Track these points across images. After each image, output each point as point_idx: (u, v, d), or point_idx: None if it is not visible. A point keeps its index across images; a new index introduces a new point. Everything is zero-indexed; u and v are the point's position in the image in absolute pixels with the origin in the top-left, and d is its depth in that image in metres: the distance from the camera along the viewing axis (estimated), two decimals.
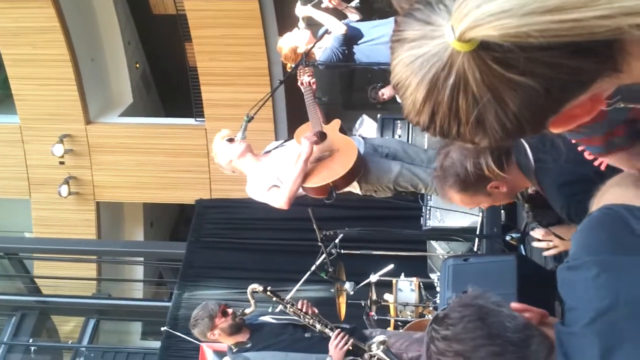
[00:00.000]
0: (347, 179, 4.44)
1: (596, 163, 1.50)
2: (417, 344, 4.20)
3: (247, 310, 4.34)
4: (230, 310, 4.35)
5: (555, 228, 2.78)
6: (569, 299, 1.32)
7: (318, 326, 4.18)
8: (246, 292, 4.29)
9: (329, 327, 4.17)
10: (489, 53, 0.82)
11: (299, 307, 4.23)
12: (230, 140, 4.60)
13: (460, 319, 1.49)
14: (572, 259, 1.31)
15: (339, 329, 4.16)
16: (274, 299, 4.27)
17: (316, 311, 4.28)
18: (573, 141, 1.46)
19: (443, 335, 1.50)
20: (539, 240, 2.87)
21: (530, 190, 2.67)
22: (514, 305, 1.56)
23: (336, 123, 4.73)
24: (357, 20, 5.47)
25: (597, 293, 1.22)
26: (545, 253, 2.87)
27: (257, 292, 4.25)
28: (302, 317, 4.22)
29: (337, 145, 4.54)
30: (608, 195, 1.39)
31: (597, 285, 1.22)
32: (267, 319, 4.55)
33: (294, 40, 5.28)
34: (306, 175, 4.41)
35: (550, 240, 2.81)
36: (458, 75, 0.85)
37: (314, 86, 4.78)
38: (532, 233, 2.91)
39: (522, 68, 0.83)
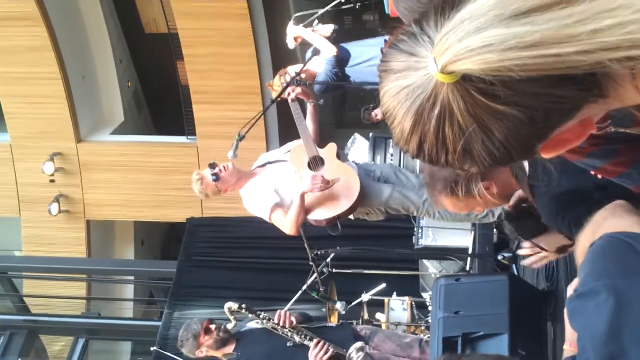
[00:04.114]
0: (350, 210, 4.50)
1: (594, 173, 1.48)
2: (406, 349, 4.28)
3: (229, 326, 4.44)
4: (213, 327, 4.43)
5: (539, 239, 2.71)
6: (580, 327, 1.28)
7: (296, 338, 4.25)
8: (233, 313, 4.33)
9: (308, 337, 4.23)
10: (472, 84, 0.83)
11: (276, 320, 4.30)
12: (215, 174, 4.55)
13: None
14: (581, 287, 1.29)
15: (318, 339, 4.18)
16: (250, 315, 4.36)
17: (294, 322, 4.33)
18: (592, 173, 1.43)
19: None
20: (527, 255, 2.74)
21: (506, 207, 2.60)
22: None
23: (332, 147, 4.70)
24: (348, 41, 5.43)
25: (607, 317, 1.19)
26: (535, 265, 2.74)
27: (233, 310, 4.34)
28: (279, 330, 4.28)
29: (337, 174, 4.53)
30: (605, 228, 1.37)
31: (606, 308, 1.20)
32: (253, 324, 4.60)
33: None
34: (309, 207, 4.43)
35: (539, 252, 2.72)
36: (443, 106, 0.85)
37: (304, 98, 4.73)
38: (520, 251, 2.80)
39: (505, 99, 0.83)
